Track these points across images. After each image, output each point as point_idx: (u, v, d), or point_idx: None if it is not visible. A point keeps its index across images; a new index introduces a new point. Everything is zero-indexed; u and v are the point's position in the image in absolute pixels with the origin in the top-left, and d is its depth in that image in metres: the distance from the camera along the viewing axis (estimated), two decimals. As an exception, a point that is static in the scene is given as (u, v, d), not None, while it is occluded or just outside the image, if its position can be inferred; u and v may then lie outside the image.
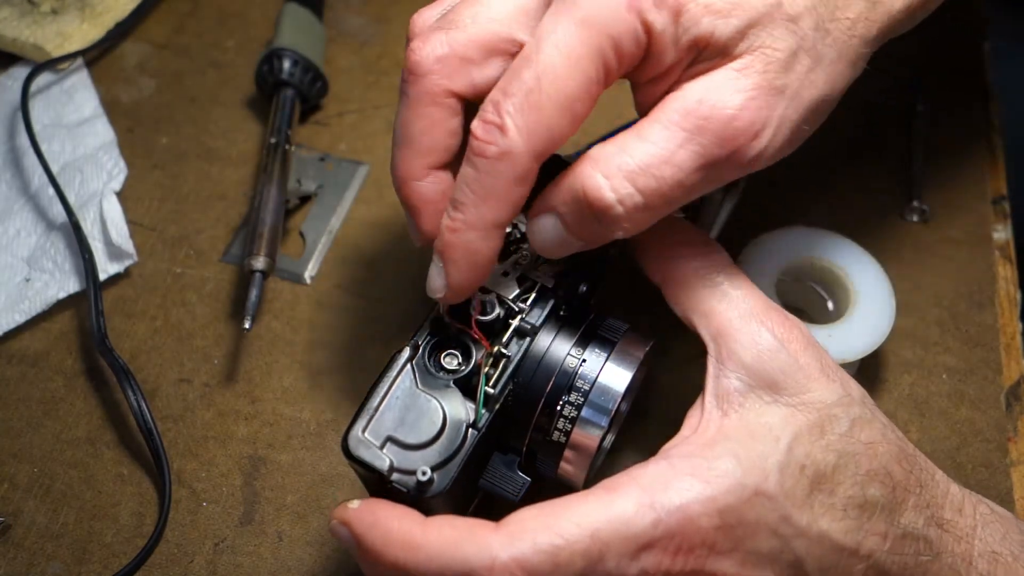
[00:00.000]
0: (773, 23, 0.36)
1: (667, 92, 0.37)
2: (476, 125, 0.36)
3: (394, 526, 0.34)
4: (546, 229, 0.39)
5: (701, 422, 0.37)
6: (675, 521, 0.33)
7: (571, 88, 0.35)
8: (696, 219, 0.59)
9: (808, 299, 0.54)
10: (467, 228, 0.37)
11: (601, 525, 0.33)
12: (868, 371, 0.53)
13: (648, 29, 0.35)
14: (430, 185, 0.40)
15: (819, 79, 0.38)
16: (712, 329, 0.39)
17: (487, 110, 0.36)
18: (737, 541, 0.34)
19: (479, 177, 0.36)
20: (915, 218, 0.59)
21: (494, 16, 0.38)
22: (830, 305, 0.53)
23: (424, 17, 0.41)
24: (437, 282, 0.38)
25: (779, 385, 0.37)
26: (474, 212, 0.37)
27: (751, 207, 0.60)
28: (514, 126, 0.35)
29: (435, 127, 0.39)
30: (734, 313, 0.39)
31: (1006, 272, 0.57)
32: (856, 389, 0.39)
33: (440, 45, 0.38)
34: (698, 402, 0.38)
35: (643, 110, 0.38)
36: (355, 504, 0.36)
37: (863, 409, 0.38)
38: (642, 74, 0.37)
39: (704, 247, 0.41)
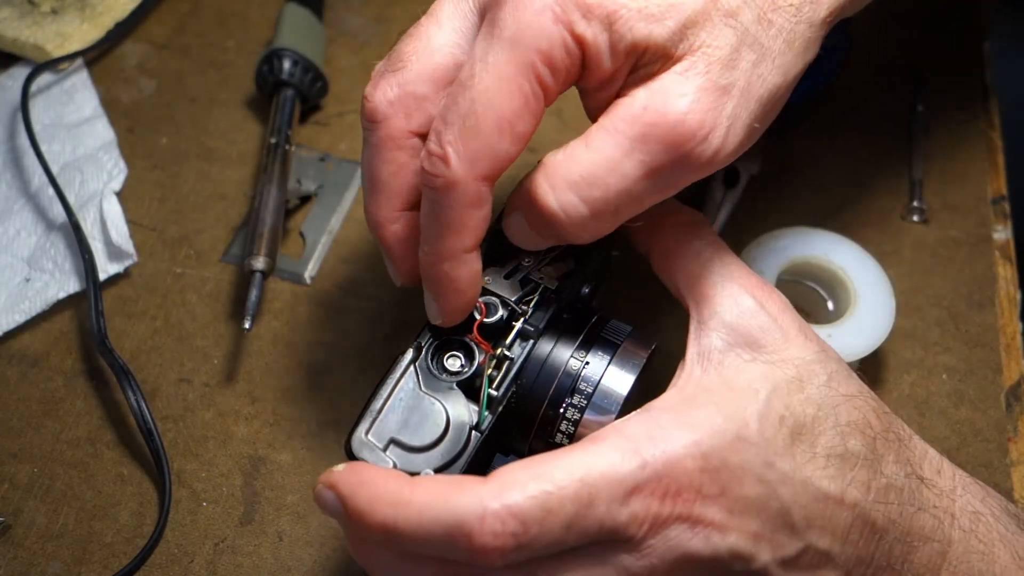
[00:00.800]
0: (710, 21, 0.36)
1: (615, 98, 0.37)
2: (423, 158, 0.37)
3: (380, 484, 0.34)
4: (516, 225, 0.40)
5: (682, 380, 0.38)
6: (661, 463, 0.34)
7: (507, 109, 0.35)
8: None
9: (808, 299, 0.54)
10: (438, 260, 0.38)
11: (589, 471, 0.33)
12: (868, 371, 0.53)
13: (580, 40, 0.35)
14: (403, 227, 0.41)
15: (767, 72, 0.37)
16: (695, 293, 0.40)
17: (431, 141, 0.36)
18: (723, 486, 0.34)
19: (435, 209, 0.37)
20: (915, 218, 0.59)
21: (436, 48, 0.39)
22: (830, 305, 0.53)
23: (379, 65, 0.41)
24: (432, 310, 0.40)
25: (758, 343, 0.38)
26: (439, 244, 0.37)
27: (751, 207, 0.60)
28: (455, 154, 0.35)
29: (401, 170, 0.40)
30: (717, 278, 0.40)
31: (1006, 272, 0.57)
32: (833, 351, 0.40)
33: (390, 88, 0.39)
34: (680, 364, 0.39)
35: (593, 116, 0.39)
36: (340, 468, 0.35)
37: (840, 366, 0.39)
38: (586, 82, 0.37)
39: (688, 217, 0.42)
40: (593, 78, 0.37)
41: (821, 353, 0.39)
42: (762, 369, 0.37)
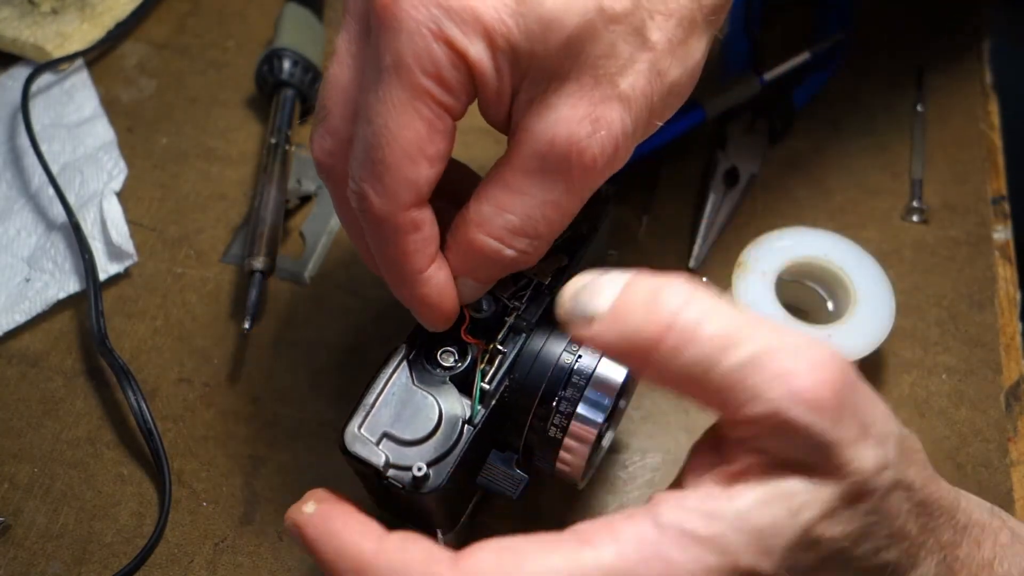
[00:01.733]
0: (596, 32, 0.34)
1: (509, 111, 0.37)
2: (349, 195, 0.37)
3: (346, 540, 0.32)
4: (468, 290, 0.39)
5: (704, 480, 0.31)
6: None
7: (411, 138, 0.34)
8: (697, 218, 0.59)
9: (808, 299, 0.54)
10: (399, 286, 0.38)
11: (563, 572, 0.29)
12: (868, 371, 0.53)
13: (463, 55, 0.34)
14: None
15: (667, 66, 0.36)
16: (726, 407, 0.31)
17: (350, 180, 0.36)
18: None
19: (376, 244, 0.37)
20: (915, 218, 0.59)
21: (345, 85, 0.37)
22: (830, 305, 0.53)
23: (313, 116, 0.40)
24: (422, 322, 0.40)
25: (808, 465, 0.30)
26: (393, 273, 0.38)
27: (751, 207, 0.60)
28: (373, 193, 0.35)
29: None
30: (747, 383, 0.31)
31: (1006, 272, 0.57)
32: (894, 442, 0.32)
33: (324, 140, 0.38)
34: (694, 455, 0.33)
35: (493, 122, 0.38)
36: (310, 508, 0.34)
37: (896, 471, 0.31)
38: (479, 95, 0.36)
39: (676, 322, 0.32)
40: (483, 92, 0.36)
41: (882, 460, 0.31)
42: (810, 484, 0.30)
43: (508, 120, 0.37)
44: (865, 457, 0.30)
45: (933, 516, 0.33)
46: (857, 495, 0.31)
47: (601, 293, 0.31)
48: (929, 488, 0.33)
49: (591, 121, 0.35)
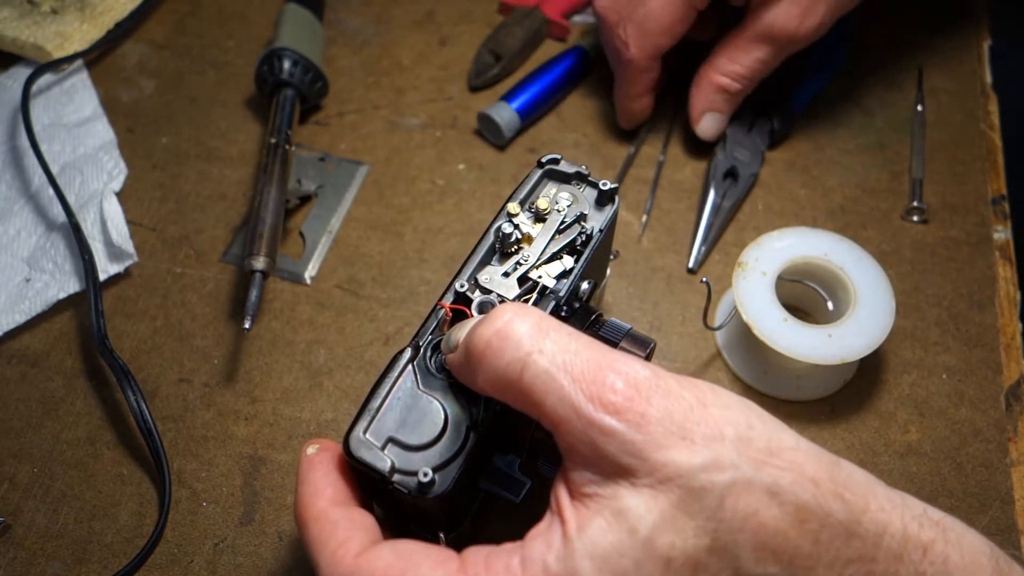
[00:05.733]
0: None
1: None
2: (615, 39, 0.59)
3: (308, 491, 0.37)
4: (711, 123, 0.61)
5: (556, 515, 0.34)
6: None
7: (666, 19, 0.57)
8: (697, 218, 0.59)
9: (808, 299, 0.54)
10: (624, 99, 0.62)
11: None
12: (868, 371, 0.53)
13: None
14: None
15: None
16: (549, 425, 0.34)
17: (620, 30, 0.59)
18: None
19: (620, 75, 0.61)
20: (915, 218, 0.59)
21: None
22: (830, 305, 0.53)
23: None
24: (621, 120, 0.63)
25: (629, 469, 0.32)
26: (624, 92, 0.62)
27: (751, 207, 0.60)
28: (633, 45, 0.58)
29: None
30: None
31: (1006, 272, 0.57)
32: (730, 442, 0.32)
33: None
34: (553, 491, 0.35)
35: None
36: (311, 450, 0.38)
37: (737, 471, 0.32)
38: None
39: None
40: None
41: (711, 461, 0.32)
42: (643, 497, 0.32)
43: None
44: (681, 455, 0.31)
45: (826, 523, 0.32)
46: (689, 498, 0.31)
47: (460, 331, 0.37)
48: (822, 499, 0.32)
49: (802, 14, 0.56)
